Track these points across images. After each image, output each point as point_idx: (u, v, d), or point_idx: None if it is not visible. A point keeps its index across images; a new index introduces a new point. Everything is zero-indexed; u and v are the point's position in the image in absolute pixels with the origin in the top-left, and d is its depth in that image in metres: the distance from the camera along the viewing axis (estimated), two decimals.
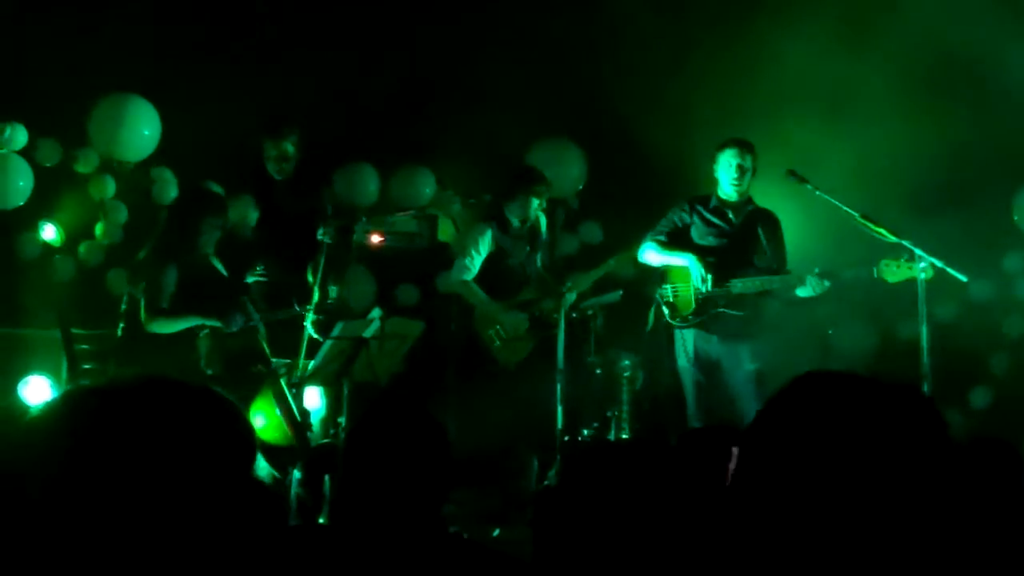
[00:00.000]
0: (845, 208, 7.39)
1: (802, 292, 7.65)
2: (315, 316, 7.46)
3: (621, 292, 9.04)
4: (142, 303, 6.97)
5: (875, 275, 7.40)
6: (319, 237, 7.76)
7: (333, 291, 7.76)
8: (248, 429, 2.07)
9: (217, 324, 6.99)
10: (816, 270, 7.57)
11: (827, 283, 7.56)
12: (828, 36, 9.05)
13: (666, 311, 7.81)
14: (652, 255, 7.91)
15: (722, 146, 7.86)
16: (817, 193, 7.58)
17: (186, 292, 7.02)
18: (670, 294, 7.83)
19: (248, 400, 6.94)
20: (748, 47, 9.29)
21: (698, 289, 7.67)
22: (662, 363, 8.53)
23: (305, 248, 7.85)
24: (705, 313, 7.69)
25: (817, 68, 9.04)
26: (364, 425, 3.30)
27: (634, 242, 8.33)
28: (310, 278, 7.66)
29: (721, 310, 7.69)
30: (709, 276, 7.62)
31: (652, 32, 9.45)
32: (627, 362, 8.81)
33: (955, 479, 1.98)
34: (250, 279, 7.92)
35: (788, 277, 7.75)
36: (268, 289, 8.02)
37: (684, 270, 7.76)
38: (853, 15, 9.17)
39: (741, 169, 7.77)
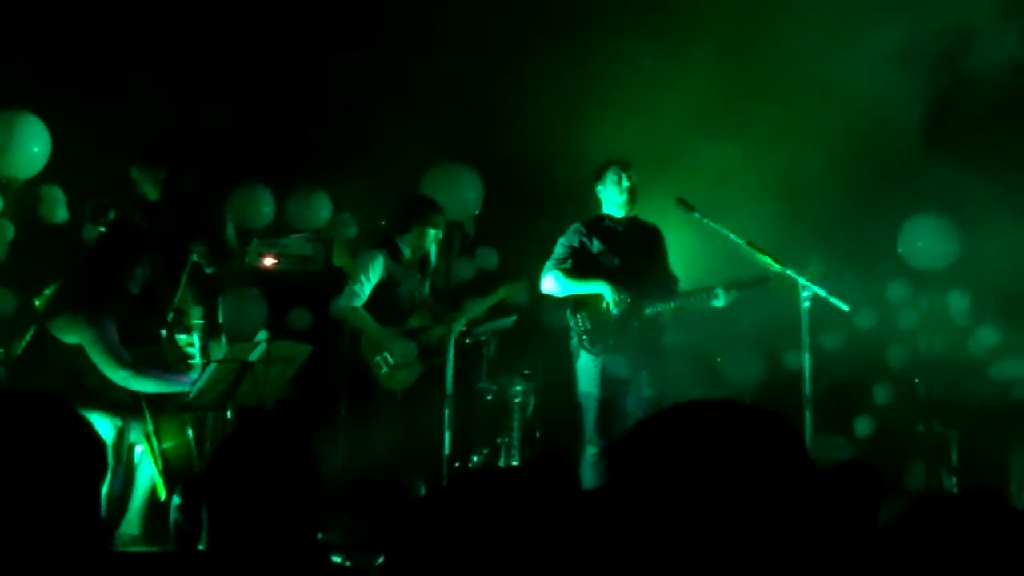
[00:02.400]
0: (732, 236, 7.45)
1: (716, 303, 7.71)
2: (187, 338, 7.38)
3: (514, 318, 9.07)
4: (103, 360, 6.80)
5: (769, 286, 7.49)
6: (192, 257, 7.66)
7: (197, 312, 7.67)
8: (94, 443, 2.06)
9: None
10: (723, 281, 7.65)
11: (735, 292, 7.63)
12: (721, 64, 9.19)
13: (584, 339, 7.74)
14: (558, 285, 7.82)
15: (604, 168, 7.90)
16: (704, 221, 7.63)
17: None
18: (588, 321, 7.75)
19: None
20: (644, 75, 9.39)
21: (614, 313, 7.65)
22: (556, 388, 8.56)
23: (178, 269, 7.74)
24: (620, 336, 7.68)
25: (710, 95, 9.16)
26: (225, 450, 3.27)
27: (529, 268, 8.34)
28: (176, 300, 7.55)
29: (635, 332, 7.69)
30: (626, 298, 7.62)
31: (550, 58, 9.50)
32: (519, 388, 8.84)
33: (813, 502, 2.02)
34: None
35: (698, 291, 7.80)
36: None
37: (597, 296, 7.72)
38: (743, 47, 9.30)
39: (628, 186, 7.81)
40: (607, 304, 7.64)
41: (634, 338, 7.67)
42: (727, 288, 7.59)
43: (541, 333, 9.78)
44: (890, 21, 9.30)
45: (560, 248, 7.86)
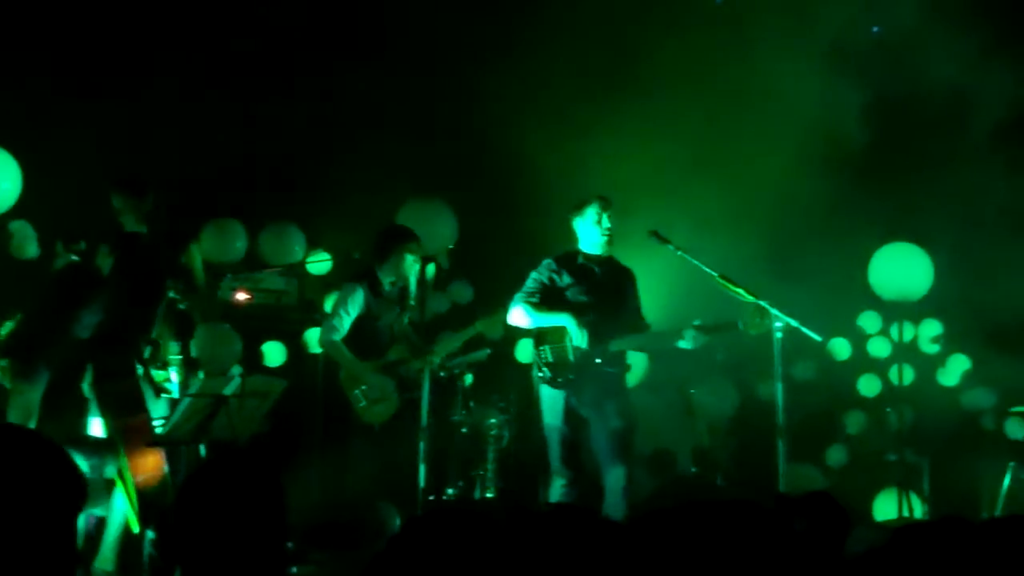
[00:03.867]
0: (705, 268, 7.48)
1: (683, 345, 7.72)
2: (163, 373, 7.37)
3: (488, 351, 9.09)
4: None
5: (740, 327, 7.50)
6: (168, 292, 7.66)
7: (174, 347, 7.66)
8: (73, 474, 2.07)
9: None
10: (695, 322, 7.65)
11: (704, 337, 7.64)
12: (692, 101, 9.28)
13: (546, 372, 7.75)
14: (525, 317, 7.84)
15: (587, 202, 7.90)
16: (679, 253, 7.66)
17: None
18: (550, 354, 7.77)
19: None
20: (619, 113, 9.47)
21: (577, 348, 7.67)
22: (529, 421, 8.57)
23: (155, 304, 7.74)
24: (582, 371, 7.69)
25: (683, 131, 9.25)
26: (191, 485, 3.27)
27: (503, 302, 8.36)
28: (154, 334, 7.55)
29: (597, 368, 7.70)
30: (587, 334, 7.64)
31: (523, 96, 9.57)
32: (493, 420, 8.85)
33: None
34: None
35: (666, 332, 7.82)
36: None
37: (561, 330, 7.75)
38: (712, 84, 9.40)
39: (608, 226, 7.83)
40: (570, 339, 7.66)
41: (595, 374, 7.68)
42: (696, 332, 7.60)
43: (515, 366, 9.81)
44: (854, 59, 9.45)
45: (530, 281, 7.88)
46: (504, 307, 8.04)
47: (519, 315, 7.83)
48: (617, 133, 9.27)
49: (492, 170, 9.78)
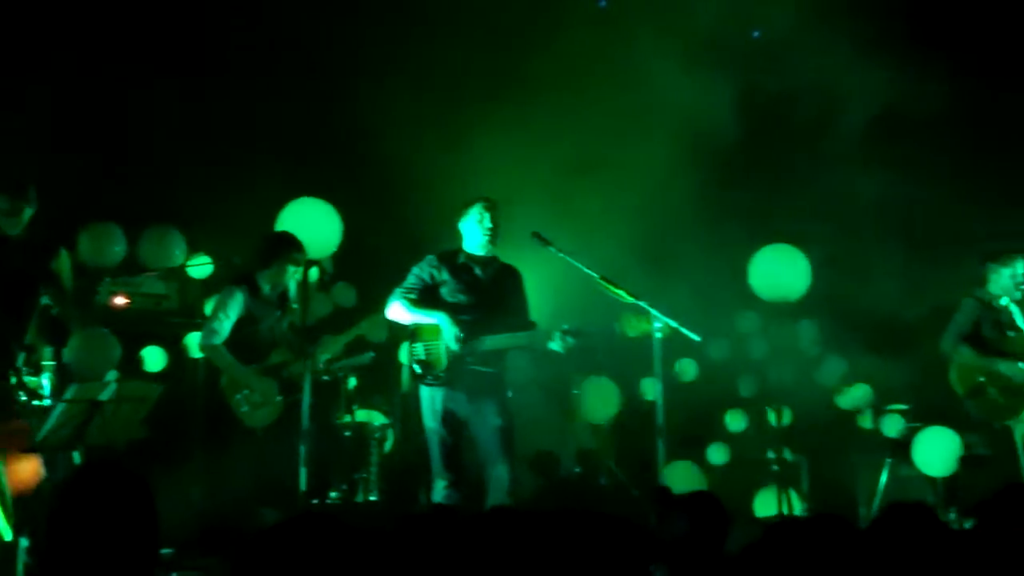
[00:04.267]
0: (586, 270, 7.55)
1: (553, 346, 7.76)
2: (36, 379, 7.24)
3: (372, 354, 9.08)
4: None
5: (617, 330, 7.56)
6: (42, 298, 7.53)
7: (47, 352, 7.53)
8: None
9: None
10: (564, 326, 7.69)
11: (572, 340, 7.67)
12: (573, 103, 9.35)
13: (417, 369, 7.76)
14: (402, 312, 7.83)
15: (471, 202, 7.91)
16: (560, 255, 7.71)
17: None
18: (422, 352, 7.77)
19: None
20: (502, 114, 9.51)
21: (449, 347, 7.67)
22: (413, 424, 8.56)
23: (28, 309, 7.60)
24: (455, 371, 7.69)
25: (565, 132, 9.31)
26: (60, 492, 3.23)
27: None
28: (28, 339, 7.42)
29: (470, 368, 7.71)
30: (461, 334, 7.64)
31: (408, 97, 9.56)
32: (377, 423, 8.84)
33: None
34: None
35: (537, 332, 7.83)
36: None
37: (435, 328, 7.75)
38: (595, 88, 9.49)
39: (492, 225, 7.84)
40: (442, 337, 7.67)
41: (470, 374, 7.69)
42: (562, 335, 7.65)
43: (399, 369, 9.79)
44: (732, 60, 9.60)
45: (411, 276, 7.87)
46: (381, 312, 8.03)
47: (396, 310, 7.81)
48: (502, 135, 9.30)
49: (377, 173, 9.76)
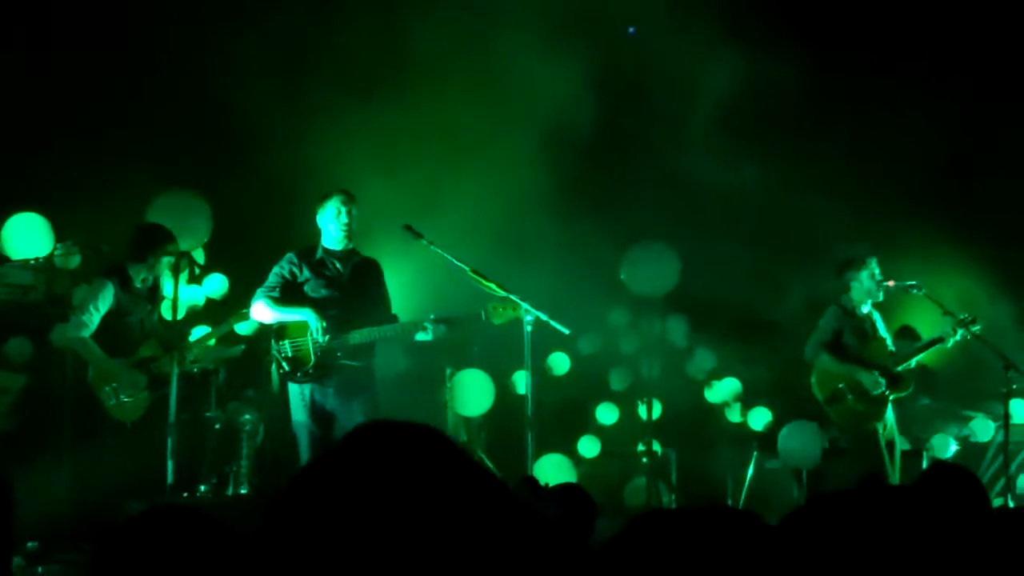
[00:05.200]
0: (457, 262, 7.61)
1: (421, 336, 7.78)
2: None
3: (243, 347, 9.02)
4: None
5: (483, 317, 7.62)
6: None
7: None
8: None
9: None
10: (432, 316, 7.72)
11: (443, 327, 7.71)
12: (445, 93, 9.39)
13: (285, 366, 7.73)
14: (266, 312, 7.79)
15: (328, 196, 7.87)
16: (432, 248, 7.75)
17: None
18: (288, 349, 7.74)
19: None
20: (374, 105, 9.50)
21: (316, 342, 7.65)
22: (285, 417, 8.52)
23: None
24: (324, 366, 7.68)
25: (438, 123, 9.34)
26: None
27: None
28: None
29: (339, 362, 7.69)
30: (326, 328, 7.62)
31: (281, 91, 9.50)
32: (247, 416, 8.78)
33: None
34: None
35: (406, 324, 7.85)
36: None
37: (302, 324, 7.72)
38: (466, 83, 9.53)
39: (347, 221, 7.81)
40: (310, 333, 7.65)
41: (338, 368, 7.69)
42: (435, 323, 7.68)
43: (271, 362, 9.72)
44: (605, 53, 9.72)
45: (272, 276, 7.84)
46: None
47: (260, 310, 7.79)
48: (373, 127, 9.31)
49: (249, 164, 9.68)
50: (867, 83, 10.96)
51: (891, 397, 8.64)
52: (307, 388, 7.71)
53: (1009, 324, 10.10)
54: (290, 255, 7.90)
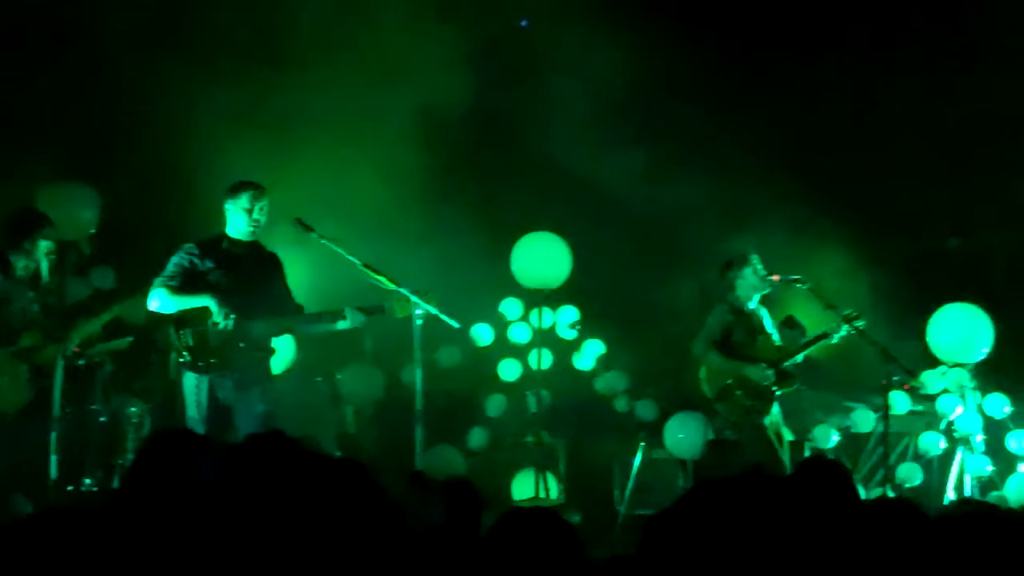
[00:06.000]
0: (348, 256, 7.60)
1: (343, 325, 7.75)
2: None
3: (131, 339, 8.91)
4: None
5: (386, 311, 7.64)
6: None
7: None
8: None
9: None
10: (354, 305, 7.71)
11: (362, 316, 7.70)
12: (333, 77, 9.39)
13: (186, 356, 7.62)
14: (167, 301, 7.69)
15: (241, 190, 7.80)
16: (323, 241, 7.73)
17: None
18: (190, 338, 7.64)
19: None
20: (263, 95, 9.46)
21: (219, 331, 7.57)
22: (174, 410, 8.44)
23: None
24: (225, 356, 7.61)
25: (324, 114, 9.33)
26: None
27: (144, 287, 8.18)
28: None
29: (240, 353, 7.63)
30: (231, 318, 7.55)
31: (169, 80, 9.41)
32: (134, 409, 8.69)
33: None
34: None
35: (324, 313, 7.82)
36: None
37: (203, 312, 7.63)
38: (341, 67, 9.52)
39: (260, 213, 7.77)
40: (213, 321, 7.59)
41: (239, 358, 7.64)
42: (353, 311, 7.67)
43: (158, 353, 9.63)
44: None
45: (170, 265, 7.74)
46: (144, 292, 7.87)
47: (160, 300, 7.67)
48: (263, 116, 9.26)
49: (136, 154, 9.58)
50: (746, 68, 11.15)
51: (778, 392, 8.80)
52: (205, 380, 7.62)
53: (869, 296, 10.26)
54: (189, 245, 7.80)
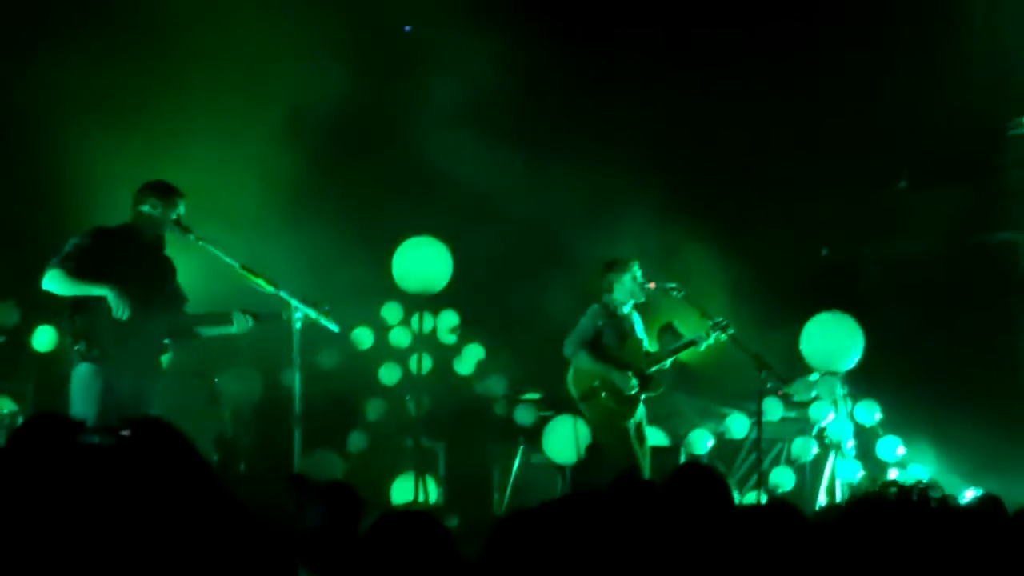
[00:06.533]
0: (226, 258, 7.51)
1: (232, 330, 7.66)
2: None
3: (3, 338, 8.77)
4: None
5: (284, 318, 7.56)
6: None
7: None
8: None
9: None
10: (240, 308, 7.62)
11: (251, 320, 7.60)
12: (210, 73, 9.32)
13: (82, 346, 7.39)
14: (61, 284, 7.40)
15: (171, 191, 7.59)
16: (200, 243, 7.60)
17: None
18: (87, 327, 7.40)
19: None
20: (149, 90, 9.35)
21: (116, 323, 7.37)
22: (50, 409, 8.26)
23: None
24: (121, 349, 7.40)
25: (206, 109, 9.25)
26: None
27: (18, 290, 8.02)
28: None
29: (137, 346, 7.47)
30: (127, 311, 7.38)
31: (42, 72, 9.25)
32: (6, 411, 8.56)
33: None
34: None
35: (212, 314, 7.70)
36: None
37: (100, 300, 7.41)
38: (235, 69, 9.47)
39: (178, 215, 7.67)
40: (112, 310, 7.41)
41: (136, 351, 7.50)
42: (242, 315, 7.58)
43: (31, 356, 9.45)
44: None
45: (70, 247, 7.46)
46: (17, 296, 7.72)
47: (54, 281, 7.41)
48: (136, 114, 9.15)
49: (22, 148, 9.39)
50: (624, 67, 11.29)
51: (643, 397, 8.91)
52: (99, 375, 7.40)
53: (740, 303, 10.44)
54: (99, 228, 7.59)
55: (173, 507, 2.09)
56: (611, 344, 8.90)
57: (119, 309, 7.33)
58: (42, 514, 1.93)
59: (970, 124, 10.98)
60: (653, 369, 8.95)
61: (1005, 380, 10.57)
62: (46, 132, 8.98)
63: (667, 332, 10.21)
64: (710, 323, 8.89)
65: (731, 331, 8.93)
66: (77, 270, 7.38)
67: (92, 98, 9.09)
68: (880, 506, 2.65)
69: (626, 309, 8.99)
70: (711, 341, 8.95)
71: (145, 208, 7.62)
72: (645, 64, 11.20)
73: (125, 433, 2.13)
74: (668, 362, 9.09)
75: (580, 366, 8.86)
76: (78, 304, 7.42)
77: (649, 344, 9.28)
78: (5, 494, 1.93)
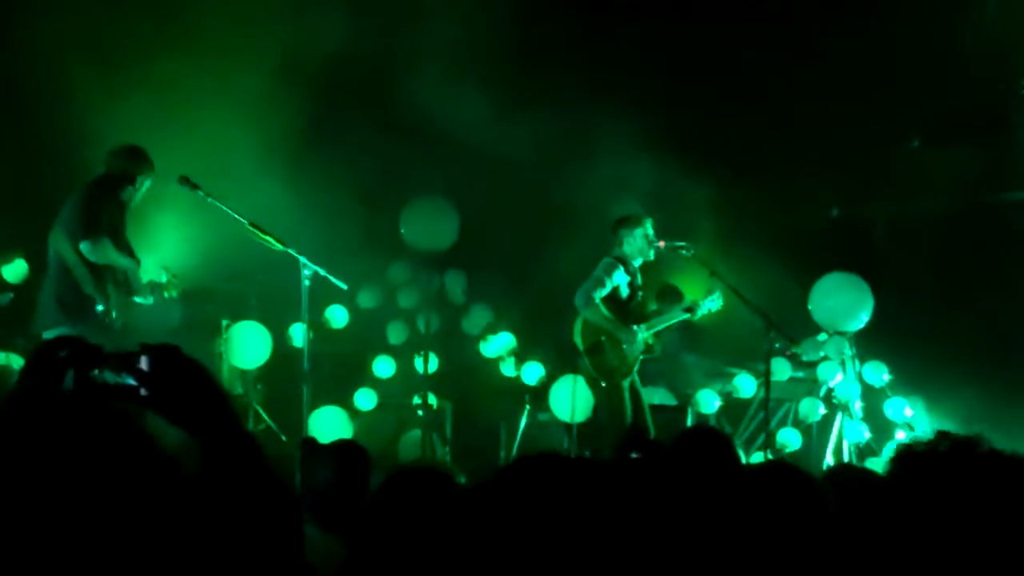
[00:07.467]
0: (235, 215, 7.49)
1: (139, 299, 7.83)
2: None
3: (11, 295, 8.78)
4: None
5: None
6: None
7: None
8: None
9: None
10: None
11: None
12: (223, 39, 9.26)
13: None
14: (107, 253, 7.55)
15: (148, 171, 7.84)
16: (209, 200, 7.61)
17: None
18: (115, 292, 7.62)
19: None
20: (151, 52, 9.29)
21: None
22: None
23: None
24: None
25: (209, 68, 9.20)
26: None
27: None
28: None
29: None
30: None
31: (54, 31, 9.18)
32: (16, 367, 8.54)
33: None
34: None
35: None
36: None
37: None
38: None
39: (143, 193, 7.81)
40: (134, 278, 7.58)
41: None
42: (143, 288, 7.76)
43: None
44: None
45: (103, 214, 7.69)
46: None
47: (103, 250, 7.57)
48: (145, 72, 9.09)
49: (19, 107, 9.35)
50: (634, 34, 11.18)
51: (640, 357, 8.89)
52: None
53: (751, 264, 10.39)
54: (115, 194, 7.79)
55: (185, 439, 2.07)
56: (621, 299, 8.84)
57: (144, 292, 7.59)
58: (57, 446, 1.88)
59: (984, 81, 10.89)
60: (649, 332, 8.92)
61: (1020, 340, 10.50)
62: (48, 84, 8.93)
63: (668, 293, 10.17)
64: (720, 283, 8.88)
65: (720, 304, 8.98)
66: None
67: (93, 49, 9.02)
68: (934, 460, 2.57)
69: (636, 264, 8.93)
70: (704, 312, 8.97)
71: (142, 176, 7.82)
72: (650, 31, 11.05)
73: (143, 359, 2.11)
74: (662, 326, 9.09)
75: (589, 318, 8.77)
76: (104, 273, 7.57)
77: (650, 303, 9.26)
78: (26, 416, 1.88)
